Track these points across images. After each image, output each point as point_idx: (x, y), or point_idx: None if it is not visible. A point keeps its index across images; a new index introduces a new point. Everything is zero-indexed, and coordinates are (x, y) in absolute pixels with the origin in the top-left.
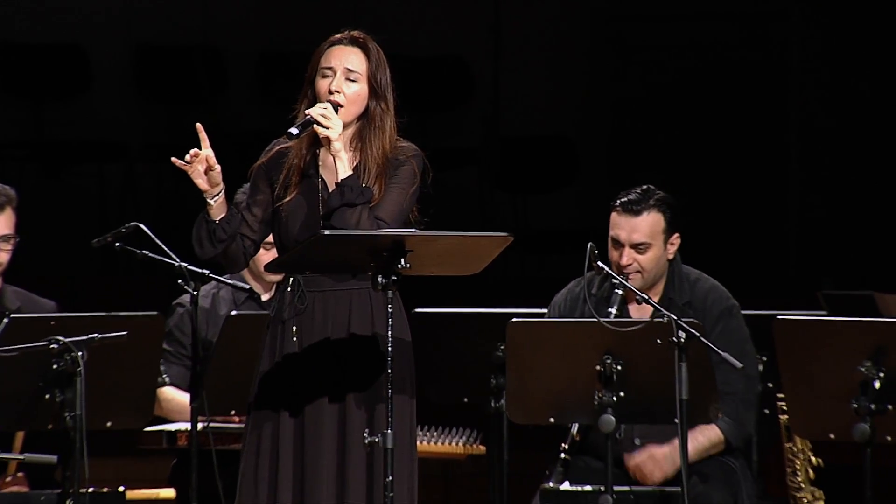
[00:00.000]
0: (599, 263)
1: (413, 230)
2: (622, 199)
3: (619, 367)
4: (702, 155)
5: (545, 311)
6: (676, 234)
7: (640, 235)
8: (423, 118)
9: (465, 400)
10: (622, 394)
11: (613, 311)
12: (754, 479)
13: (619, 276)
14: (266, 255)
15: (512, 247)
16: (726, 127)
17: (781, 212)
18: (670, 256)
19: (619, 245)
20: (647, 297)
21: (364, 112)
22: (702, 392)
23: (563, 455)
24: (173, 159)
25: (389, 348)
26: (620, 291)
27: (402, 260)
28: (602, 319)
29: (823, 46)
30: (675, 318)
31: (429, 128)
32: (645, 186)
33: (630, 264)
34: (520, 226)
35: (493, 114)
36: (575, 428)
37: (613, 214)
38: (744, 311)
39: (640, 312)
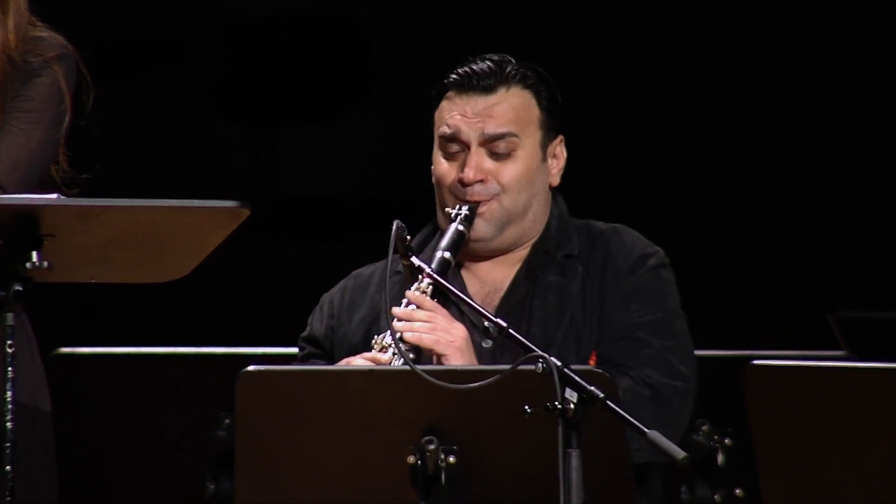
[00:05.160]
0: (415, 260)
1: (56, 195)
2: (461, 71)
3: (451, 459)
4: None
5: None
6: (561, 139)
7: (500, 123)
8: None
9: None
10: None
11: (404, 301)
12: None
13: (461, 210)
14: None
15: (250, 226)
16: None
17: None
18: (554, 180)
19: (457, 146)
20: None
21: None
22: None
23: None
24: None
25: (9, 424)
26: (426, 267)
27: (35, 254)
28: (418, 368)
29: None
30: (557, 362)
31: (98, 5)
32: (500, 55)
33: (481, 180)
34: (263, 187)
35: None
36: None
37: (445, 101)
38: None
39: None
